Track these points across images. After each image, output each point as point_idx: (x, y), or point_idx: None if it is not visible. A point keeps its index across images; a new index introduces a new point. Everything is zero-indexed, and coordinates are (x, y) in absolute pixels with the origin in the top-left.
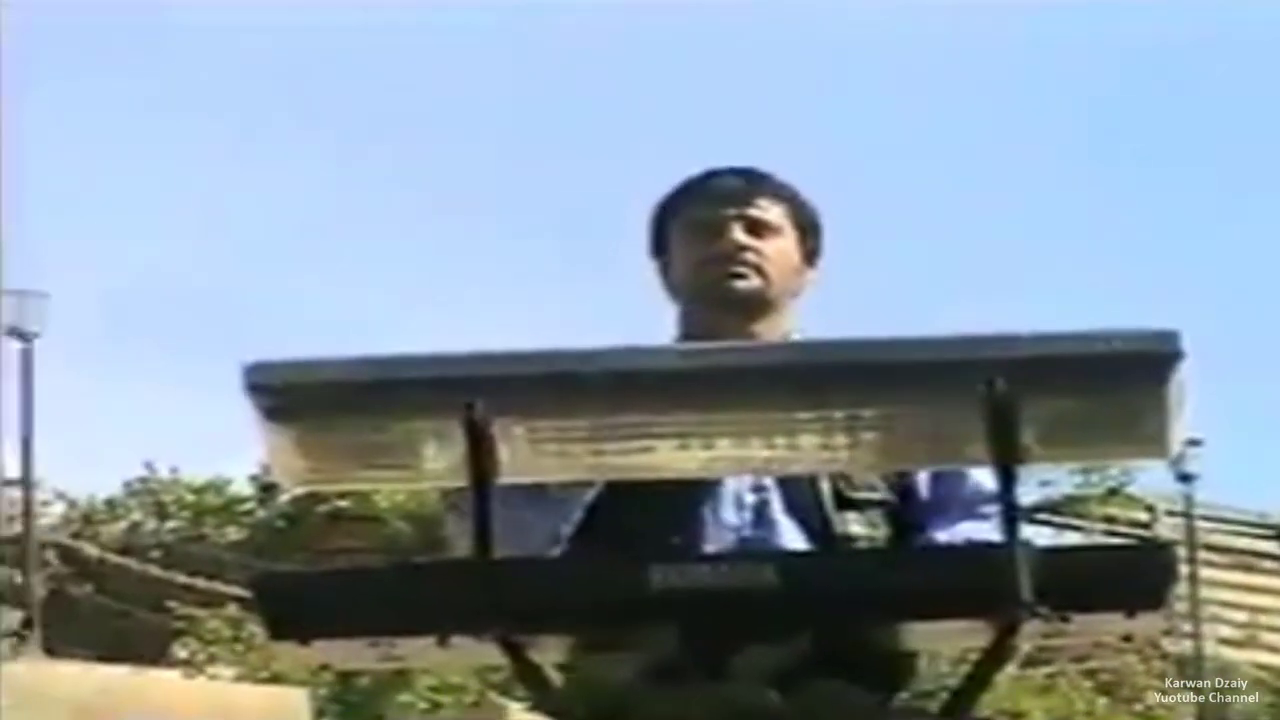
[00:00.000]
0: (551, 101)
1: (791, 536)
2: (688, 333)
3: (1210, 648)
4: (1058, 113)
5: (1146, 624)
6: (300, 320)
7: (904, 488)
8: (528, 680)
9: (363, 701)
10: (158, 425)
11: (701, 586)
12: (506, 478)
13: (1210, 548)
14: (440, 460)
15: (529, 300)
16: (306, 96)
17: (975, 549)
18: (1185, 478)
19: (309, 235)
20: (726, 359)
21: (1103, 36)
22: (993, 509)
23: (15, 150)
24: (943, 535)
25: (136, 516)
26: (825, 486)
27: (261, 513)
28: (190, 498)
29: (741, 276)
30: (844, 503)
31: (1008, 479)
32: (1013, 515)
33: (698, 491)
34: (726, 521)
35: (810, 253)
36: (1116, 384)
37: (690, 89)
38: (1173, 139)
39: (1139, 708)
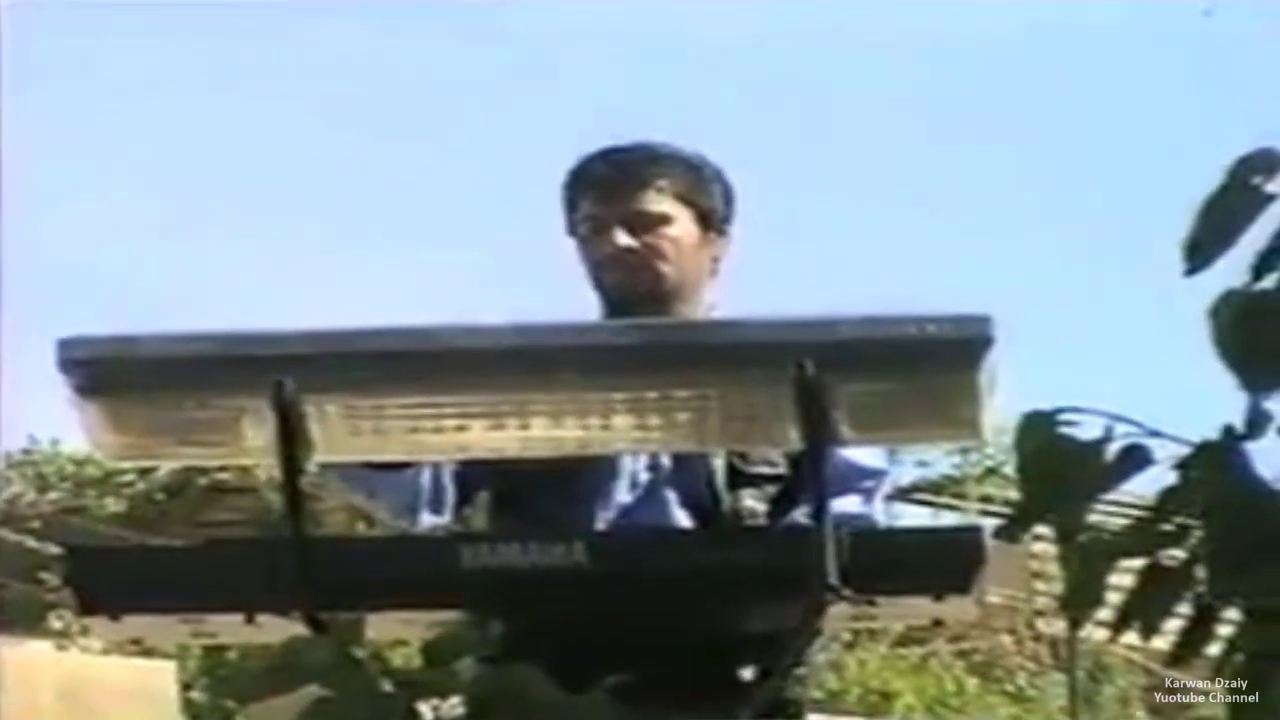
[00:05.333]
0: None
1: (679, 513)
2: (608, 318)
3: (1084, 629)
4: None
5: (956, 608)
6: (194, 294)
7: (798, 461)
8: (341, 662)
9: (231, 674)
10: (40, 396)
11: (511, 565)
12: (320, 456)
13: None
14: (255, 438)
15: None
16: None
17: (782, 530)
18: None
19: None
20: (540, 339)
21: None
22: (868, 484)
23: None
24: (805, 510)
25: (17, 488)
26: (718, 464)
27: (141, 485)
28: (71, 469)
29: (632, 281)
30: (740, 478)
31: (817, 461)
32: (821, 497)
33: (597, 469)
34: (618, 500)
35: (716, 222)
36: (928, 368)
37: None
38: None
39: (1010, 689)
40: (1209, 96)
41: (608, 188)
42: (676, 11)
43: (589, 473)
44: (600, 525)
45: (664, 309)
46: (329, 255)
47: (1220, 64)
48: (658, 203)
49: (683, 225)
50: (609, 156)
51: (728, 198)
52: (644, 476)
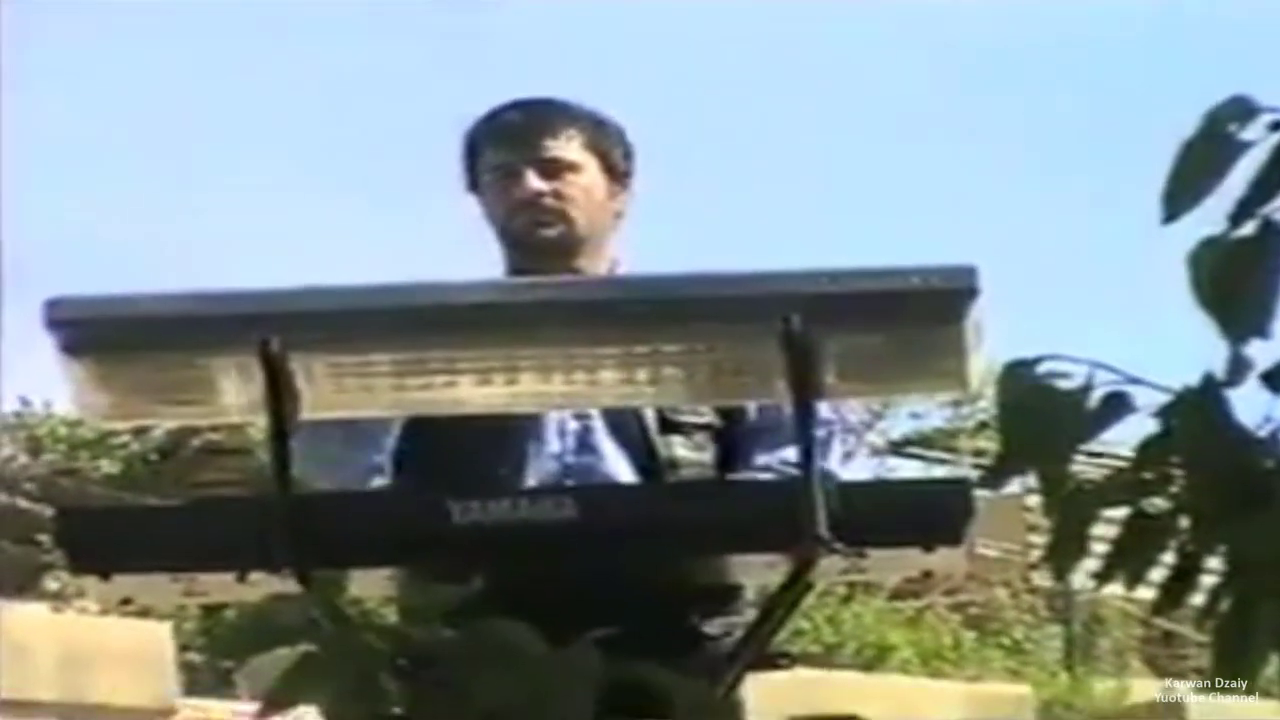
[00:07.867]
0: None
1: (615, 462)
2: (512, 272)
3: (1079, 581)
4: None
5: (946, 559)
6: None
7: (731, 412)
8: (330, 618)
9: (223, 633)
10: (32, 359)
11: (502, 521)
12: (308, 414)
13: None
14: (241, 396)
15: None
16: None
17: (772, 483)
18: None
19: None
20: (529, 294)
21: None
22: (819, 435)
23: None
24: (763, 460)
25: (10, 451)
26: (649, 412)
27: (135, 446)
28: (64, 431)
29: (544, 224)
30: (668, 426)
31: (807, 414)
32: (810, 449)
33: (521, 421)
34: (550, 450)
35: (620, 174)
36: (913, 320)
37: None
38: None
39: (1007, 641)
40: (1189, 46)
41: (519, 135)
42: None
43: (512, 423)
44: (537, 476)
45: (571, 257)
46: (319, 214)
47: (1198, 19)
48: (568, 150)
49: (591, 174)
50: (518, 106)
51: (628, 154)
52: (572, 425)
